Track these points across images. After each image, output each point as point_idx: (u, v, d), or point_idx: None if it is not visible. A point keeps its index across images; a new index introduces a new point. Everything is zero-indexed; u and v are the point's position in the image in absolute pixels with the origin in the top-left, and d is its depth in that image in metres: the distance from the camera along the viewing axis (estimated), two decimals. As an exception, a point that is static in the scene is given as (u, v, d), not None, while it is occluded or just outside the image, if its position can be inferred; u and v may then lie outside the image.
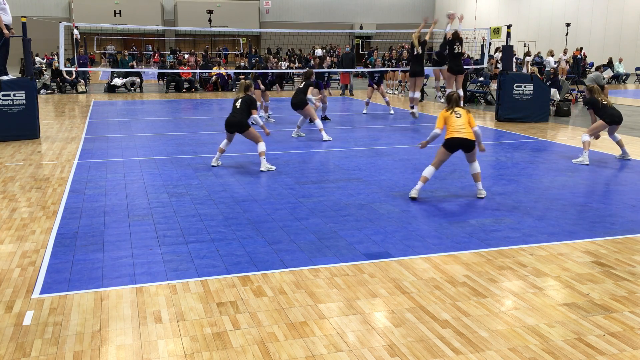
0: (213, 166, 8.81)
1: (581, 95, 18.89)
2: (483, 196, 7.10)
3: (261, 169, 8.58)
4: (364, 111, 16.05)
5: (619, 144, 9.51)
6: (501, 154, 10.06)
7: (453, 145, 6.95)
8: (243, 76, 23.94)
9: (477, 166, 7.11)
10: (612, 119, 9.15)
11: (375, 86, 15.76)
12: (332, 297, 4.29)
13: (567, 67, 27.01)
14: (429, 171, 7.05)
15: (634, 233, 5.80)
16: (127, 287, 4.44)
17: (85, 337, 3.71)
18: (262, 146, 8.69)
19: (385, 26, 47.80)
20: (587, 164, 9.04)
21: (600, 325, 3.89)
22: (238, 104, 8.78)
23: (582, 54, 32.38)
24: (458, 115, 7.01)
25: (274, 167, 8.70)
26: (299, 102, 11.26)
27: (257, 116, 8.81)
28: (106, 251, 5.21)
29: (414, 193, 7.02)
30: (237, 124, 8.66)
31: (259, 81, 13.80)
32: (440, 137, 7.19)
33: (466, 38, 33.61)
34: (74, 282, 4.54)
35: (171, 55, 35.81)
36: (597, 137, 9.87)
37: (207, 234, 5.70)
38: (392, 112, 16.03)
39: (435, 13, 51.04)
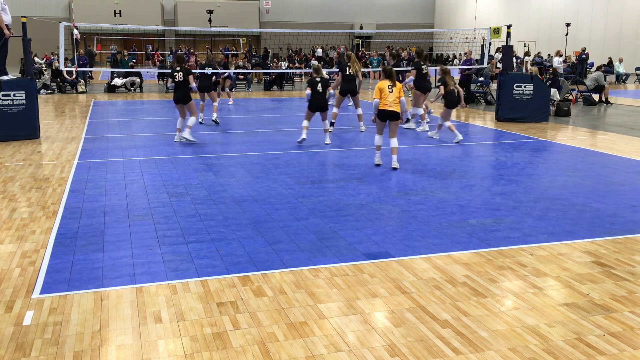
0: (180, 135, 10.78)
1: (581, 95, 18.88)
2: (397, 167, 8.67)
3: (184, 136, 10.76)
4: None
5: (451, 128, 11.06)
6: (501, 154, 10.06)
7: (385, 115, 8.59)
8: (242, 76, 23.96)
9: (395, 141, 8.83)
10: (452, 104, 11.08)
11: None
12: (332, 297, 4.29)
13: (562, 67, 26.96)
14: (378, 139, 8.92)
15: (634, 233, 5.80)
16: (127, 287, 4.44)
17: (85, 337, 3.71)
18: (192, 120, 10.88)
19: (385, 26, 47.79)
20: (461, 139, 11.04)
21: (600, 325, 3.89)
22: (179, 77, 10.63)
23: (585, 53, 32.36)
24: (390, 90, 8.56)
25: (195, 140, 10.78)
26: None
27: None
28: (106, 251, 5.22)
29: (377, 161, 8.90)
30: (182, 97, 10.74)
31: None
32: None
33: (466, 38, 33.64)
34: (74, 282, 4.54)
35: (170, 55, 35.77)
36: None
37: (207, 234, 5.70)
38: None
39: (435, 13, 51.05)
